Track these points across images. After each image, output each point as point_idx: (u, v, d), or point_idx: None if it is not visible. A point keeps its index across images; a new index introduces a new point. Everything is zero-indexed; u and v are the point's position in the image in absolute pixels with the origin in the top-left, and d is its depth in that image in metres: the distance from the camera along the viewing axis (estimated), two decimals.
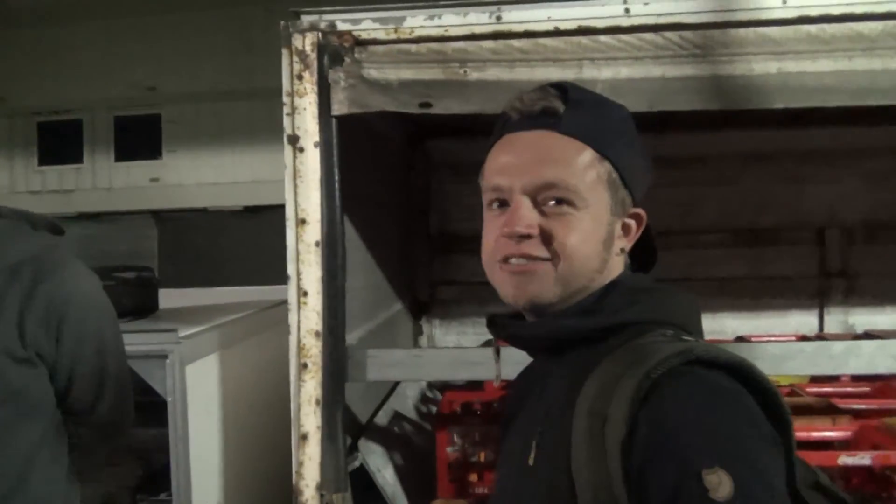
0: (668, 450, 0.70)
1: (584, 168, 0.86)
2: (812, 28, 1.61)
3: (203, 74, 10.45)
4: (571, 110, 0.87)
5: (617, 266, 0.90)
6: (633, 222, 0.91)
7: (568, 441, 0.77)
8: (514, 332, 0.91)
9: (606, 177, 0.87)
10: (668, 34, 1.62)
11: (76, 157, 10.73)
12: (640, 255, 0.94)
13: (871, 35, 1.60)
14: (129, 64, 10.44)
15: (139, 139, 10.69)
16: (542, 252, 0.85)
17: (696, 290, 3.01)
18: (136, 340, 1.76)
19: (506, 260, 0.86)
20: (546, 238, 0.85)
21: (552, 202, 0.85)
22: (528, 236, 0.85)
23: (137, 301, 2.29)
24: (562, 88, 0.88)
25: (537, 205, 0.85)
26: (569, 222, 0.85)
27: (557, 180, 0.85)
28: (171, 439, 1.81)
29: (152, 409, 1.89)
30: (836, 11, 1.61)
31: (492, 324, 0.95)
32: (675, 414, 0.72)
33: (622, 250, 0.90)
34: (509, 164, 0.87)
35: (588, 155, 0.86)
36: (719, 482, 0.67)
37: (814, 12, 1.60)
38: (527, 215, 0.85)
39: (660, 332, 0.82)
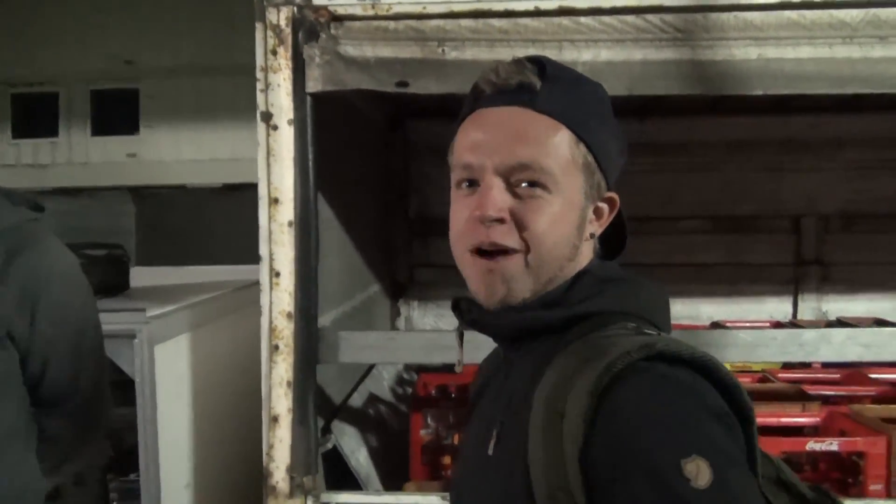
0: (635, 446, 0.68)
1: (559, 149, 0.81)
2: (793, 14, 1.60)
3: (183, 49, 10.26)
4: (548, 87, 0.82)
5: (587, 252, 0.87)
6: (605, 206, 0.87)
7: (526, 433, 0.75)
8: (477, 320, 0.87)
9: (582, 159, 0.83)
10: (650, 17, 1.60)
11: (51, 131, 10.52)
12: (610, 239, 0.90)
13: (852, 23, 1.59)
14: (106, 37, 10.22)
15: (117, 113, 10.50)
16: (512, 241, 0.81)
17: (674, 275, 3.03)
18: (104, 319, 1.71)
19: (476, 250, 0.82)
20: (518, 223, 0.80)
21: (525, 184, 0.80)
22: (500, 220, 0.80)
23: (107, 279, 2.24)
24: (538, 63, 0.84)
25: (509, 186, 0.81)
26: (541, 206, 0.81)
27: (532, 161, 0.80)
28: (140, 420, 1.79)
29: (124, 388, 1.86)
30: None
31: (456, 307, 0.91)
32: (638, 409, 0.69)
33: (592, 235, 0.87)
34: (481, 141, 0.82)
35: (564, 136, 0.82)
36: (698, 470, 0.65)
37: None
38: (498, 198, 0.80)
39: (622, 324, 0.80)
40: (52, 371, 1.39)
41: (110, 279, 2.28)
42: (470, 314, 0.88)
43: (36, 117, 10.58)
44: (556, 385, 0.74)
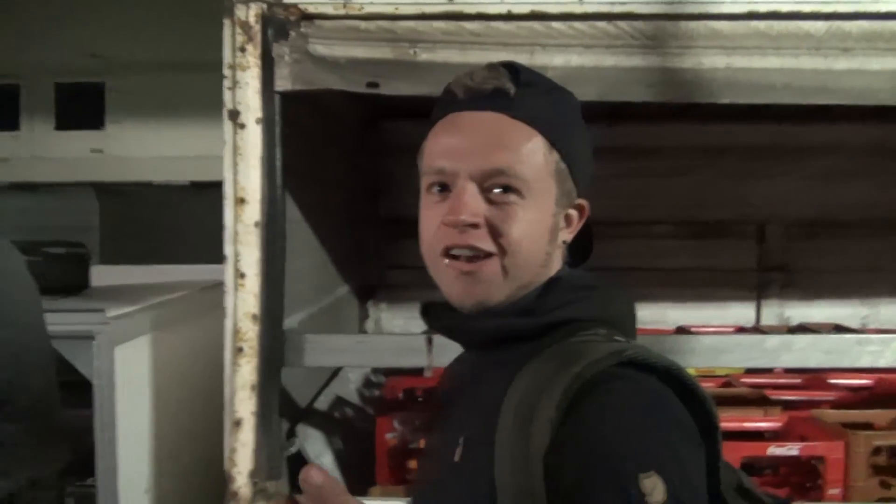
0: (599, 452, 0.68)
1: (534, 156, 0.81)
2: (761, 24, 1.62)
3: (151, 43, 10.08)
4: (522, 93, 0.82)
5: (557, 258, 0.87)
6: (575, 213, 0.88)
7: (493, 439, 0.74)
8: (448, 326, 0.87)
9: (555, 167, 0.83)
10: (621, 23, 1.61)
11: (12, 125, 10.25)
12: (576, 245, 0.91)
13: (817, 35, 1.62)
14: (71, 29, 10.00)
15: (81, 108, 10.28)
16: (487, 245, 0.80)
17: (641, 279, 3.06)
18: (61, 320, 1.67)
19: (448, 252, 0.81)
20: (492, 229, 0.80)
21: (499, 190, 0.80)
22: (474, 225, 0.79)
23: (67, 278, 2.18)
24: (513, 69, 0.83)
25: (483, 191, 0.80)
26: (515, 212, 0.80)
27: (507, 167, 0.80)
28: (97, 424, 1.74)
29: (82, 389, 1.81)
30: (784, 9, 1.62)
31: (426, 313, 0.90)
32: (605, 416, 0.70)
33: (564, 242, 0.87)
34: (455, 145, 0.81)
35: (539, 142, 0.82)
36: (654, 487, 0.66)
37: (763, 9, 1.61)
38: (472, 203, 0.79)
39: (594, 331, 0.80)
40: None
41: (70, 278, 2.22)
42: (440, 321, 0.87)
43: None
44: (527, 391, 0.74)
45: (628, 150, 3.11)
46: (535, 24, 1.61)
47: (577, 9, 1.60)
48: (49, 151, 10.78)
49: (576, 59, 1.61)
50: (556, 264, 0.87)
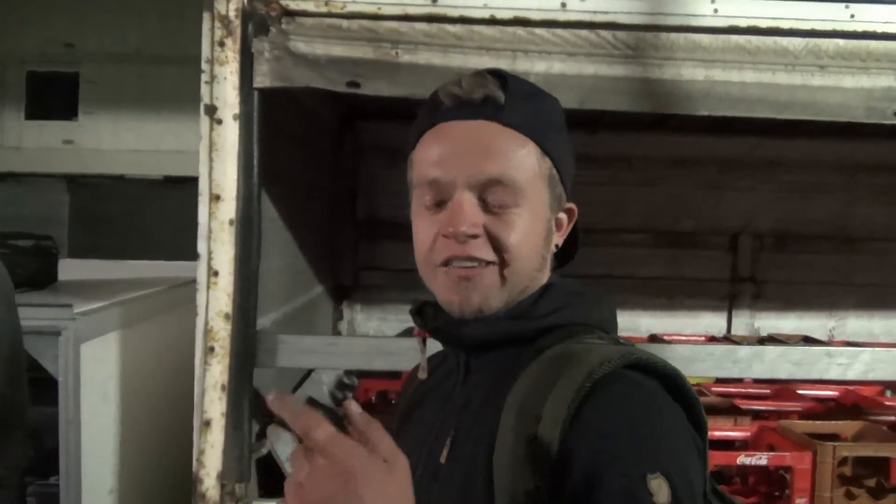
0: (611, 452, 0.70)
1: (527, 163, 0.82)
2: (740, 39, 1.64)
3: (128, 34, 9.93)
4: (512, 101, 0.82)
5: (550, 261, 0.88)
6: (565, 216, 0.89)
7: (489, 440, 0.75)
8: (443, 328, 0.86)
9: (547, 172, 0.84)
10: (603, 33, 1.62)
11: None
12: (562, 248, 0.91)
13: (794, 51, 1.65)
14: (45, 17, 9.81)
15: (54, 98, 10.07)
16: (487, 254, 0.80)
17: (615, 287, 3.08)
18: (27, 315, 1.63)
19: (447, 263, 0.81)
20: (491, 238, 0.80)
21: (496, 198, 0.80)
22: (474, 236, 0.80)
23: (34, 272, 2.13)
24: (500, 76, 0.83)
25: (480, 200, 0.80)
26: (513, 220, 0.81)
27: (503, 175, 0.80)
28: (62, 422, 1.70)
29: (47, 386, 1.77)
30: (763, 25, 1.64)
31: (419, 313, 0.90)
32: (616, 417, 0.71)
33: (556, 246, 0.89)
34: (448, 155, 0.81)
35: (531, 149, 0.83)
36: (659, 487, 0.68)
37: (743, 24, 1.64)
38: (472, 213, 0.79)
39: (596, 334, 0.82)
40: None
41: (37, 272, 2.17)
42: (435, 321, 0.87)
43: None
44: (532, 390, 0.74)
45: (604, 159, 3.13)
46: (518, 30, 1.61)
47: (561, 16, 1.61)
48: (19, 141, 10.56)
49: (557, 65, 1.61)
50: (549, 268, 0.88)
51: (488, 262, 0.81)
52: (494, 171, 0.80)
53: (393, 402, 2.41)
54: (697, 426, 0.76)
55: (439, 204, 0.82)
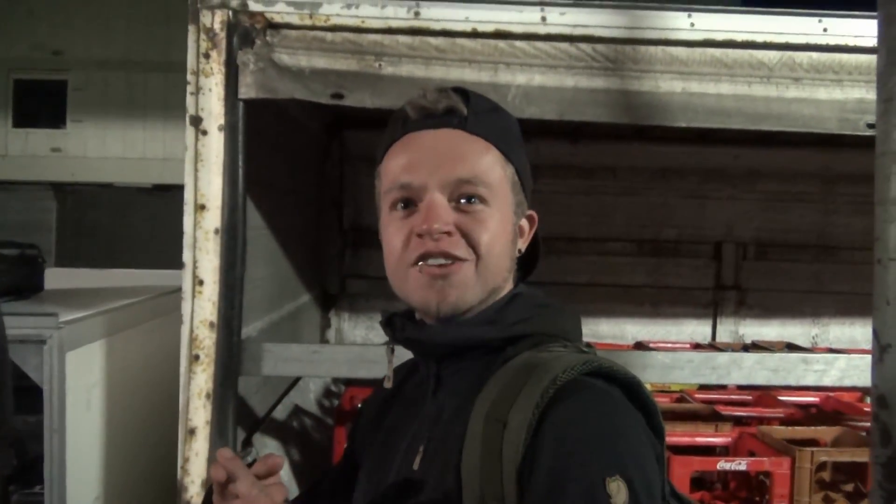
0: (573, 456, 0.72)
1: (493, 166, 0.86)
2: (717, 52, 1.68)
3: (115, 42, 9.92)
4: (474, 112, 0.87)
5: (514, 267, 0.91)
6: (527, 223, 0.93)
7: (460, 446, 0.77)
8: (411, 337, 0.89)
9: (511, 178, 0.88)
10: (583, 45, 1.65)
11: None
12: (524, 257, 0.94)
13: (769, 64, 1.69)
14: (33, 24, 9.78)
15: (41, 105, 10.04)
16: (461, 251, 0.83)
17: (600, 295, 3.08)
18: (12, 323, 1.63)
19: (421, 261, 0.83)
20: (464, 235, 0.83)
21: (466, 199, 0.84)
22: (448, 233, 0.82)
23: (19, 280, 2.13)
24: (462, 92, 0.88)
25: (450, 201, 0.84)
26: (483, 219, 0.84)
27: (472, 176, 0.84)
28: (46, 430, 1.70)
29: (30, 394, 1.77)
30: (739, 38, 1.68)
31: (388, 324, 0.92)
32: (578, 422, 0.74)
33: (520, 251, 0.92)
34: (418, 160, 0.84)
35: (496, 154, 0.87)
36: (618, 490, 0.70)
37: (719, 37, 1.67)
38: (444, 212, 0.82)
39: (559, 343, 0.84)
40: None
41: (22, 280, 2.17)
42: (404, 332, 0.89)
43: None
44: (500, 397, 0.77)
45: (588, 168, 3.17)
46: (500, 43, 1.64)
47: (541, 30, 1.64)
48: (6, 149, 10.51)
49: (538, 77, 1.64)
50: (513, 273, 0.91)
51: (462, 259, 0.83)
52: (464, 172, 0.84)
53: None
54: (656, 432, 0.79)
55: (409, 207, 0.85)
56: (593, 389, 0.76)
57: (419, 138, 0.86)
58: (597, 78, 1.63)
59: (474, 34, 1.63)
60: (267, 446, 2.11)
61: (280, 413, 2.41)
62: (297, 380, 2.66)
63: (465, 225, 0.83)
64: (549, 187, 3.06)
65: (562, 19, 1.63)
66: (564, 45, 1.64)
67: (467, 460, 0.75)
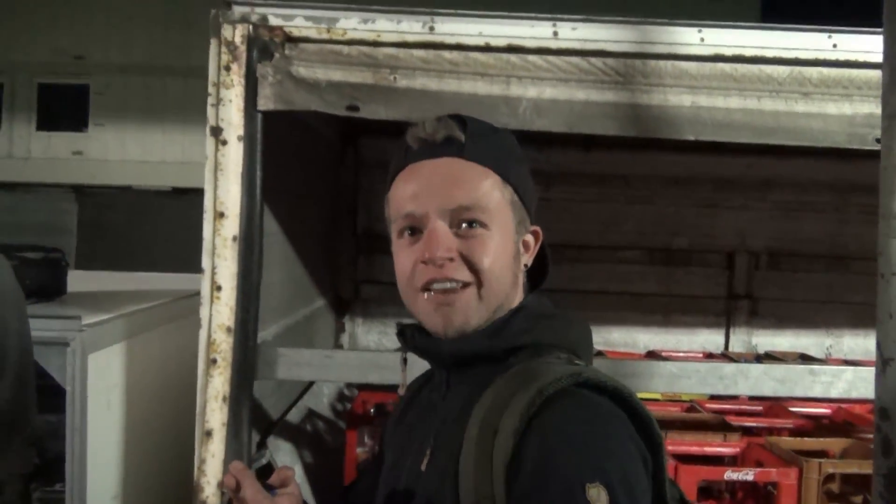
0: (555, 462, 0.76)
1: (491, 190, 0.91)
2: (726, 66, 1.70)
3: (136, 47, 10.06)
4: (472, 139, 0.91)
5: (521, 281, 0.96)
6: (531, 238, 0.97)
7: (459, 447, 0.81)
8: (421, 347, 0.94)
9: (510, 198, 0.93)
10: (593, 60, 1.68)
11: None
12: (534, 268, 0.99)
13: (779, 78, 1.71)
14: (56, 29, 9.94)
15: (64, 109, 10.20)
16: (464, 275, 0.88)
17: (611, 303, 3.09)
18: (37, 326, 1.69)
19: (427, 287, 0.88)
20: (466, 260, 0.88)
21: (466, 224, 0.89)
22: (450, 259, 0.87)
23: (43, 283, 2.19)
24: (459, 119, 0.93)
25: (452, 227, 0.89)
26: (484, 242, 0.89)
27: (470, 202, 0.89)
28: (68, 430, 1.75)
29: (51, 394, 1.82)
30: (748, 53, 1.70)
31: (401, 334, 0.98)
32: (562, 430, 0.78)
33: (525, 266, 0.96)
34: (419, 190, 0.90)
35: (493, 178, 0.91)
36: (598, 496, 0.73)
37: (728, 52, 1.69)
38: (445, 239, 0.87)
39: (555, 355, 0.88)
40: None
41: (46, 283, 2.23)
42: (415, 341, 0.95)
43: None
44: (493, 404, 0.81)
45: (600, 176, 3.18)
46: (511, 57, 1.67)
47: (553, 44, 1.67)
48: (29, 151, 10.67)
49: (549, 91, 1.67)
50: (521, 287, 0.96)
51: (465, 283, 0.88)
52: (463, 199, 0.89)
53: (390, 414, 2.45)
54: (651, 442, 0.82)
55: (415, 234, 0.90)
56: (579, 399, 0.80)
57: (420, 168, 0.91)
58: (606, 91, 1.66)
59: (487, 48, 1.67)
60: (281, 449, 2.16)
61: (294, 416, 2.46)
62: (311, 384, 2.70)
63: (466, 250, 0.88)
64: (562, 195, 3.09)
65: (573, 34, 1.66)
66: (576, 59, 1.67)
67: (464, 463, 0.80)
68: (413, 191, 0.90)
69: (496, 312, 0.91)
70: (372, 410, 2.57)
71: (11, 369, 1.45)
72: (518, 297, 0.94)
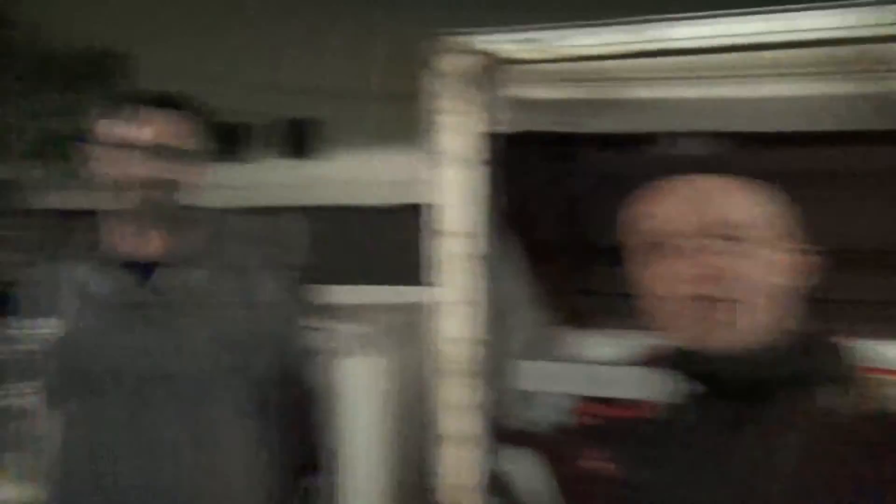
0: None
1: (752, 206, 0.88)
2: None
3: (359, 77, 10.87)
4: (727, 155, 0.90)
5: (790, 303, 0.90)
6: (801, 258, 0.90)
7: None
8: (702, 372, 0.88)
9: (772, 215, 0.89)
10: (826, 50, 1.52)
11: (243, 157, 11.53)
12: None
13: None
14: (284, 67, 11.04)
15: (298, 140, 11.32)
16: (730, 293, 0.84)
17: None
18: None
19: (691, 302, 0.85)
20: (730, 277, 0.85)
21: (730, 240, 0.86)
22: (715, 277, 0.84)
23: None
24: (706, 135, 0.92)
25: (713, 243, 0.86)
26: (749, 258, 0.85)
27: (734, 219, 0.86)
28: (336, 430, 1.93)
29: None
30: None
31: (684, 358, 0.90)
32: None
33: (796, 286, 0.89)
34: (678, 205, 0.88)
35: (756, 194, 0.88)
36: None
37: None
38: (711, 256, 0.85)
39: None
40: None
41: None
42: (688, 365, 0.90)
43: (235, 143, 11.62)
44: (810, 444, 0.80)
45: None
46: (744, 55, 1.56)
47: (795, 37, 1.52)
48: (268, 178, 11.94)
49: (789, 87, 1.54)
50: (791, 308, 0.89)
51: (733, 300, 0.84)
52: (726, 215, 0.86)
53: (637, 430, 2.38)
54: None
55: (672, 251, 0.88)
56: None
57: (678, 183, 0.90)
58: (865, 83, 1.49)
59: (714, 49, 1.58)
60: (515, 457, 2.20)
61: (528, 425, 2.49)
62: (544, 393, 2.72)
63: (731, 267, 0.85)
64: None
65: (814, 24, 1.51)
66: (812, 52, 1.53)
67: None
68: (670, 205, 0.89)
69: (765, 335, 0.87)
70: (592, 422, 2.52)
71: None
72: (789, 320, 0.89)
